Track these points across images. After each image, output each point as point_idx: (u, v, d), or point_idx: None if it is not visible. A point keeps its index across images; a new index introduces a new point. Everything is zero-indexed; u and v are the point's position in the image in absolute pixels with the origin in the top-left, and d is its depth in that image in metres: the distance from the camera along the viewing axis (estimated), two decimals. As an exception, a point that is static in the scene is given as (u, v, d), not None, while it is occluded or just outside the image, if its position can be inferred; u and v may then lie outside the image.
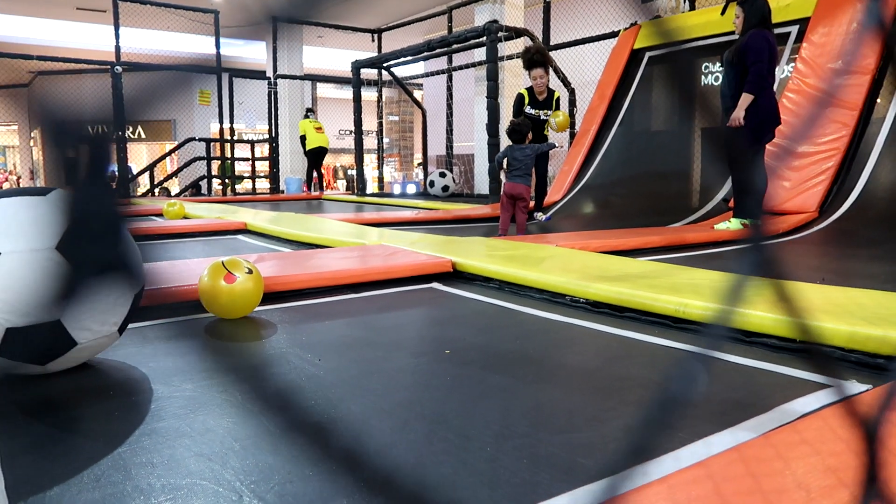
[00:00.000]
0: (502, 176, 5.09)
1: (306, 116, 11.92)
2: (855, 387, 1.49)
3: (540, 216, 6.27)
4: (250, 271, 2.20)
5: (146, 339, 2.00)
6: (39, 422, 1.36)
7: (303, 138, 11.70)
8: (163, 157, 13.12)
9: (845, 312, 1.85)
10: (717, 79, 6.64)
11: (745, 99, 4.44)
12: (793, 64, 5.84)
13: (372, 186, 12.43)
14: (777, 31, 6.09)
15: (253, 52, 15.04)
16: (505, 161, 4.91)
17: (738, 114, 4.46)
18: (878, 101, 5.35)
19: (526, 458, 1.15)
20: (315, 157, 11.70)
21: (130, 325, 1.87)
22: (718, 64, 6.54)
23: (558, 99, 5.96)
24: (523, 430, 1.28)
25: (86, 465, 1.13)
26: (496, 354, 1.86)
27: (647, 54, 7.35)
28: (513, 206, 4.95)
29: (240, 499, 1.01)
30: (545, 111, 5.81)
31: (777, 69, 4.63)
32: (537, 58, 5.72)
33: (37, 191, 1.60)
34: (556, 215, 6.56)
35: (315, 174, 12.00)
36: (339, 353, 1.88)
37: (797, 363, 1.70)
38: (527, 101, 5.84)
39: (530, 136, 5.03)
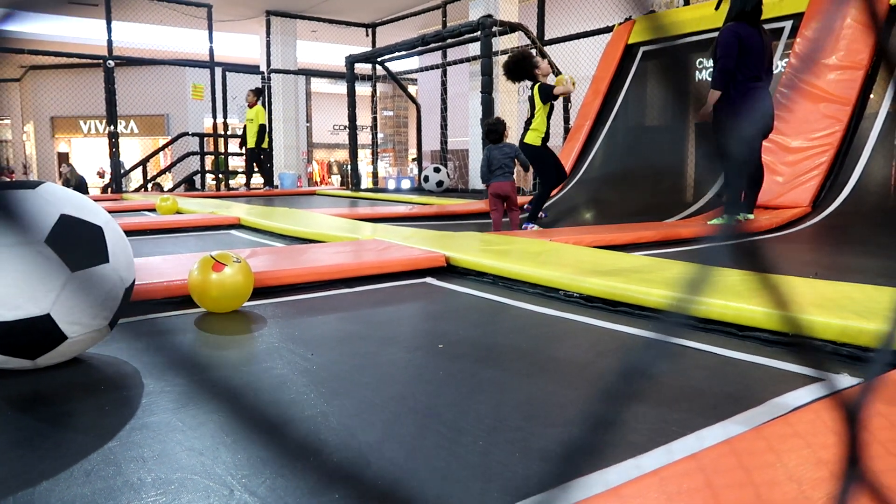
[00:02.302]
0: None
1: (258, 99, 10.30)
2: (846, 380, 1.49)
3: (531, 227, 5.98)
4: (238, 261, 2.19)
5: (138, 333, 1.99)
6: (29, 416, 1.35)
7: (262, 129, 10.24)
8: (156, 153, 13.07)
9: (837, 307, 1.85)
10: (710, 73, 6.64)
11: (711, 95, 4.49)
12: (787, 59, 5.85)
13: (366, 182, 12.41)
14: (771, 26, 6.10)
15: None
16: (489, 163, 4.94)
17: (705, 109, 4.50)
18: (871, 96, 5.37)
19: (518, 452, 1.15)
20: (265, 155, 10.66)
21: (122, 320, 1.86)
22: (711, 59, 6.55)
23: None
24: (516, 423, 1.28)
25: (76, 459, 1.13)
26: (489, 348, 1.86)
27: (642, 49, 7.36)
28: (502, 204, 4.99)
29: (231, 493, 1.00)
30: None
31: (768, 62, 4.60)
32: (538, 57, 5.64)
33: (26, 184, 1.59)
34: (551, 210, 6.56)
35: (257, 168, 10.79)
36: (332, 347, 1.87)
37: (789, 357, 1.71)
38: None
39: (507, 133, 5.02)
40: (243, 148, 10.82)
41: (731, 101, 4.46)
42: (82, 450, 1.17)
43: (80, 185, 12.32)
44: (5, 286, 1.42)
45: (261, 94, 10.47)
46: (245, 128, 10.58)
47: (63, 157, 18.40)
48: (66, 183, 12.32)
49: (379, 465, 1.11)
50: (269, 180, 11.18)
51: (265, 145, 10.51)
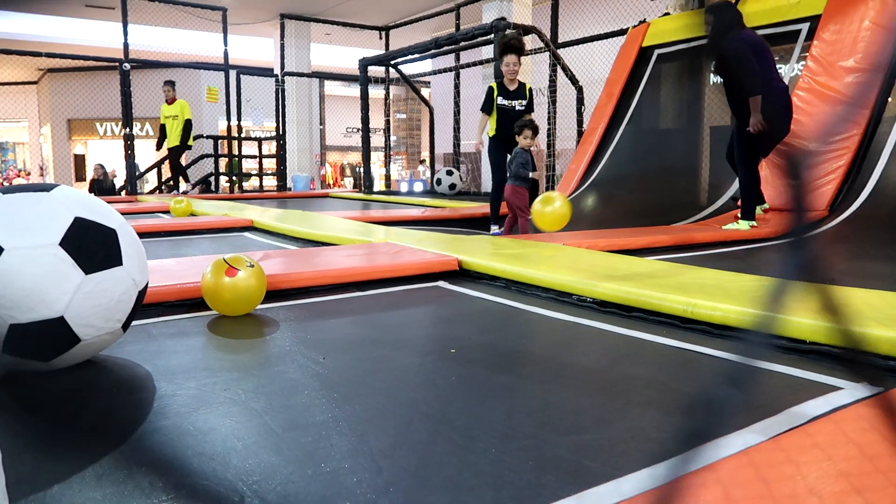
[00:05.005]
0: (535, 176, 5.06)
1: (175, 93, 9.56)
2: (865, 389, 1.46)
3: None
4: (252, 265, 2.19)
5: (151, 336, 1.99)
6: (42, 419, 1.35)
7: (189, 125, 9.57)
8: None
9: (856, 313, 1.82)
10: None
11: (755, 102, 4.40)
12: (803, 62, 5.79)
13: (379, 184, 12.43)
14: (787, 28, 6.05)
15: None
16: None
17: (757, 118, 4.39)
18: (890, 99, 5.30)
19: (531, 460, 1.14)
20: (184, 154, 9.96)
21: (135, 322, 1.86)
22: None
23: (531, 90, 5.53)
24: (529, 430, 1.27)
25: (87, 463, 1.13)
26: (502, 354, 1.84)
27: (656, 52, 7.31)
28: (511, 208, 5.03)
29: (241, 499, 1.00)
30: (519, 101, 5.43)
31: (782, 65, 4.62)
32: (514, 43, 5.39)
33: (41, 187, 1.60)
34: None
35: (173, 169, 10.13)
36: (344, 351, 1.87)
37: (806, 364, 1.68)
38: (496, 93, 5.47)
39: (531, 138, 5.00)
40: (161, 148, 9.87)
41: (766, 105, 4.44)
42: (94, 453, 1.16)
43: (111, 190, 12.42)
44: (20, 288, 1.43)
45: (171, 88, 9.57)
46: (162, 127, 9.71)
47: (79, 159, 18.60)
48: (100, 182, 12.44)
49: (390, 471, 1.10)
50: (175, 184, 10.15)
51: (190, 143, 9.87)
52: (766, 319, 0.29)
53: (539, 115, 5.92)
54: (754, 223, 4.63)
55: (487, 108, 5.45)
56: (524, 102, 5.47)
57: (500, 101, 5.46)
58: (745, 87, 4.41)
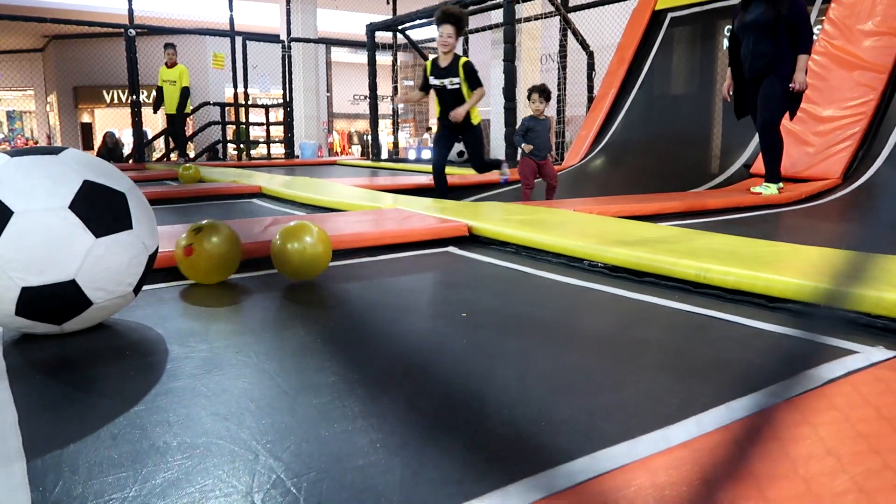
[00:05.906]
0: (524, 147, 4.88)
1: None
2: (881, 353, 1.45)
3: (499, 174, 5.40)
4: (199, 230, 2.13)
5: (162, 300, 1.99)
6: (56, 381, 1.36)
7: (187, 92, 9.46)
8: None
9: (871, 278, 1.80)
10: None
11: (805, 60, 4.34)
12: (820, 26, 5.66)
13: (387, 151, 12.35)
14: (804, -10, 5.91)
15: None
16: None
17: (802, 77, 4.32)
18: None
19: (544, 421, 1.14)
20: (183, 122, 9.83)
21: (146, 286, 1.87)
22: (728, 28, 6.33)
23: (466, 65, 4.89)
24: (541, 393, 1.27)
25: (102, 423, 1.13)
26: (513, 318, 1.84)
27: (669, 15, 7.17)
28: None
29: (256, 458, 1.00)
30: (451, 79, 4.89)
31: None
32: (450, 11, 4.87)
33: (50, 150, 1.59)
34: (573, 178, 6.47)
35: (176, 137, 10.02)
36: (355, 315, 1.87)
37: (822, 329, 1.66)
38: (429, 70, 4.99)
39: (529, 102, 4.89)
40: (157, 111, 9.77)
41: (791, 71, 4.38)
42: (109, 414, 1.17)
43: (119, 158, 12.48)
44: (31, 251, 1.42)
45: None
46: (159, 90, 9.53)
47: (86, 128, 18.57)
48: (110, 150, 12.49)
49: (403, 432, 1.10)
50: (182, 152, 10.08)
51: (187, 110, 9.69)
52: (838, 294, 0.28)
53: (549, 81, 5.83)
54: (782, 185, 4.59)
55: (424, 87, 5.06)
56: (456, 80, 4.88)
57: (432, 80, 4.97)
58: (801, 44, 4.32)
